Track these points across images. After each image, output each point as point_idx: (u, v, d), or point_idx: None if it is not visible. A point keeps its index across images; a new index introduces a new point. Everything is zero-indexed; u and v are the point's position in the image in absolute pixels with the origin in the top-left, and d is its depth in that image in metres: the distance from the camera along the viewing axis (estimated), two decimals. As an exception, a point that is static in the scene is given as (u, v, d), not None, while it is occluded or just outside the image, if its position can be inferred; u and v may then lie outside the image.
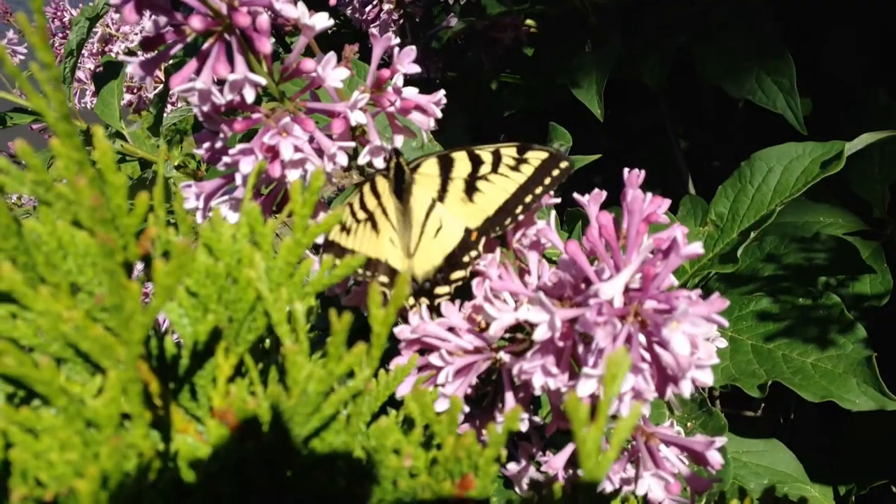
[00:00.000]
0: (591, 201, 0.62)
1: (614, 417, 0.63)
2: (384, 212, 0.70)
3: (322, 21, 0.64)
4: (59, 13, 2.27)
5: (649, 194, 0.62)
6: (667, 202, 0.64)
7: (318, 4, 0.73)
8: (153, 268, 0.34)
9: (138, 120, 2.08)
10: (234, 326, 0.45)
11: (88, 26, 1.70)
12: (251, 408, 0.38)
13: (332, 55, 0.64)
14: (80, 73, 2.14)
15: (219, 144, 0.66)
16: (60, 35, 2.22)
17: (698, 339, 0.49)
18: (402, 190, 0.70)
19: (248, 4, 0.59)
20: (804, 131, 1.04)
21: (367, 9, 1.36)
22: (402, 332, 0.65)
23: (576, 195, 0.63)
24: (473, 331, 0.65)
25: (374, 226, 0.70)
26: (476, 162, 0.70)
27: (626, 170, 0.62)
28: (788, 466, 1.14)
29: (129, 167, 1.87)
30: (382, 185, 0.71)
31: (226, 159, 0.63)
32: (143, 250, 0.39)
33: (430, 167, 0.71)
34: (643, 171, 0.62)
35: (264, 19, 0.62)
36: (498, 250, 0.68)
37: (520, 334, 0.65)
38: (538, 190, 0.68)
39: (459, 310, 0.66)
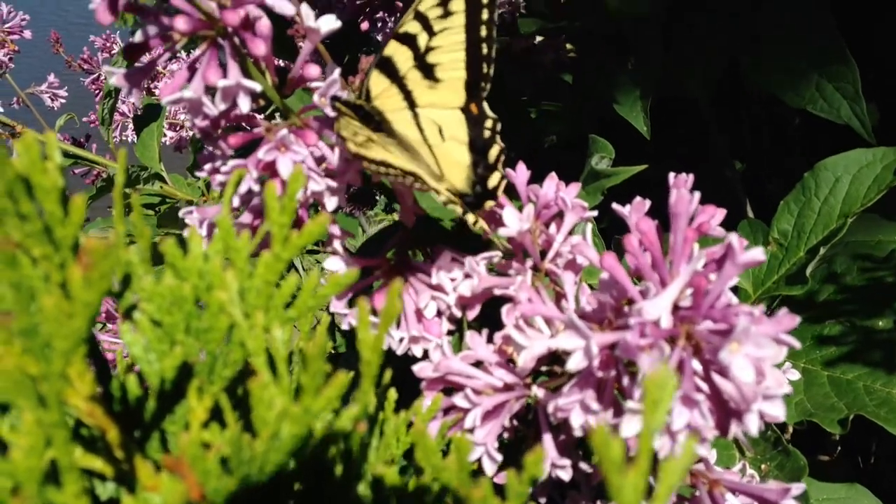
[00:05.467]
0: (632, 211, 0.54)
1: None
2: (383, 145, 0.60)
3: (329, 24, 0.57)
4: (108, 44, 2.24)
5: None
6: (721, 211, 0.55)
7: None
8: (68, 278, 0.28)
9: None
10: (207, 361, 0.38)
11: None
12: (211, 456, 0.31)
13: (336, 68, 0.57)
14: (123, 107, 2.13)
15: (219, 164, 0.60)
16: (108, 68, 2.20)
17: (765, 364, 0.40)
18: (379, 125, 0.61)
19: (240, 4, 0.53)
20: (873, 140, 0.94)
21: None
22: (422, 370, 0.57)
23: (615, 206, 0.55)
24: (504, 364, 0.56)
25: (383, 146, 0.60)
26: (409, 41, 0.62)
27: (671, 174, 0.54)
28: (874, 515, 1.02)
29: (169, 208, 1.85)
30: (363, 130, 0.60)
31: (219, 178, 0.57)
32: (83, 267, 0.32)
33: (378, 82, 0.63)
34: (692, 175, 0.54)
35: (264, 24, 0.56)
36: (529, 272, 0.60)
37: (558, 367, 0.57)
38: (485, 14, 0.59)
39: (488, 341, 0.58)
